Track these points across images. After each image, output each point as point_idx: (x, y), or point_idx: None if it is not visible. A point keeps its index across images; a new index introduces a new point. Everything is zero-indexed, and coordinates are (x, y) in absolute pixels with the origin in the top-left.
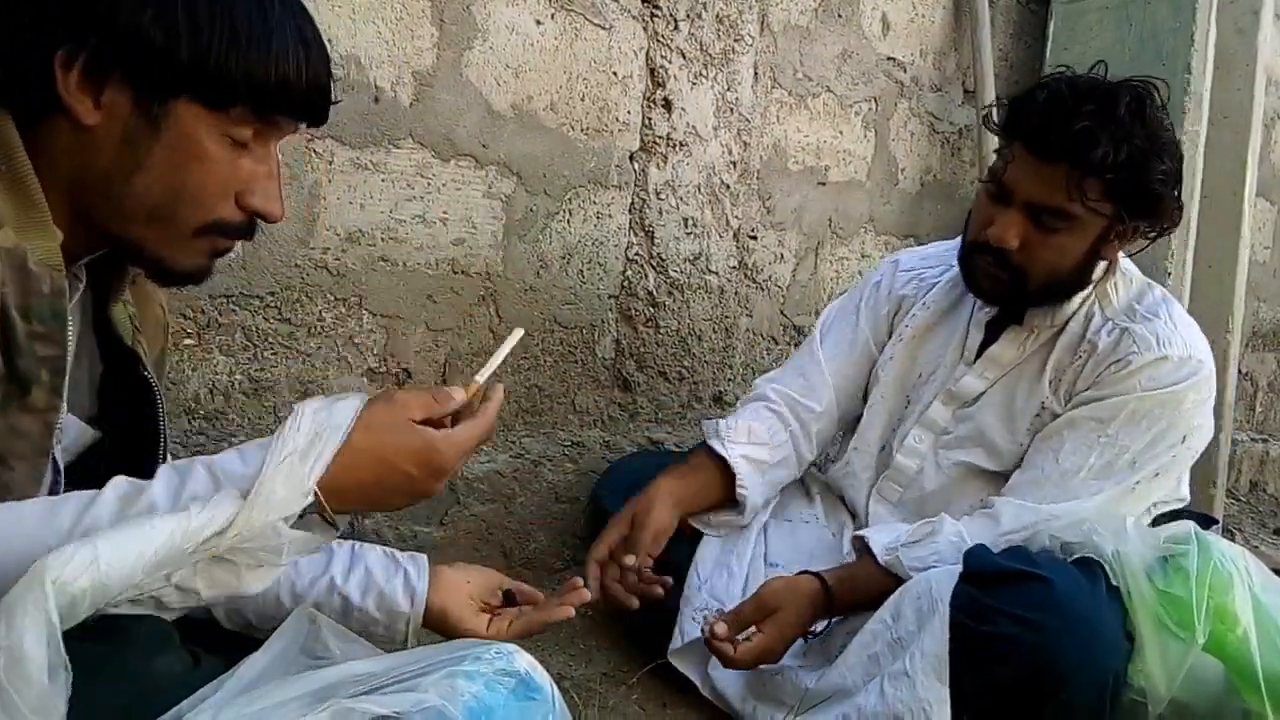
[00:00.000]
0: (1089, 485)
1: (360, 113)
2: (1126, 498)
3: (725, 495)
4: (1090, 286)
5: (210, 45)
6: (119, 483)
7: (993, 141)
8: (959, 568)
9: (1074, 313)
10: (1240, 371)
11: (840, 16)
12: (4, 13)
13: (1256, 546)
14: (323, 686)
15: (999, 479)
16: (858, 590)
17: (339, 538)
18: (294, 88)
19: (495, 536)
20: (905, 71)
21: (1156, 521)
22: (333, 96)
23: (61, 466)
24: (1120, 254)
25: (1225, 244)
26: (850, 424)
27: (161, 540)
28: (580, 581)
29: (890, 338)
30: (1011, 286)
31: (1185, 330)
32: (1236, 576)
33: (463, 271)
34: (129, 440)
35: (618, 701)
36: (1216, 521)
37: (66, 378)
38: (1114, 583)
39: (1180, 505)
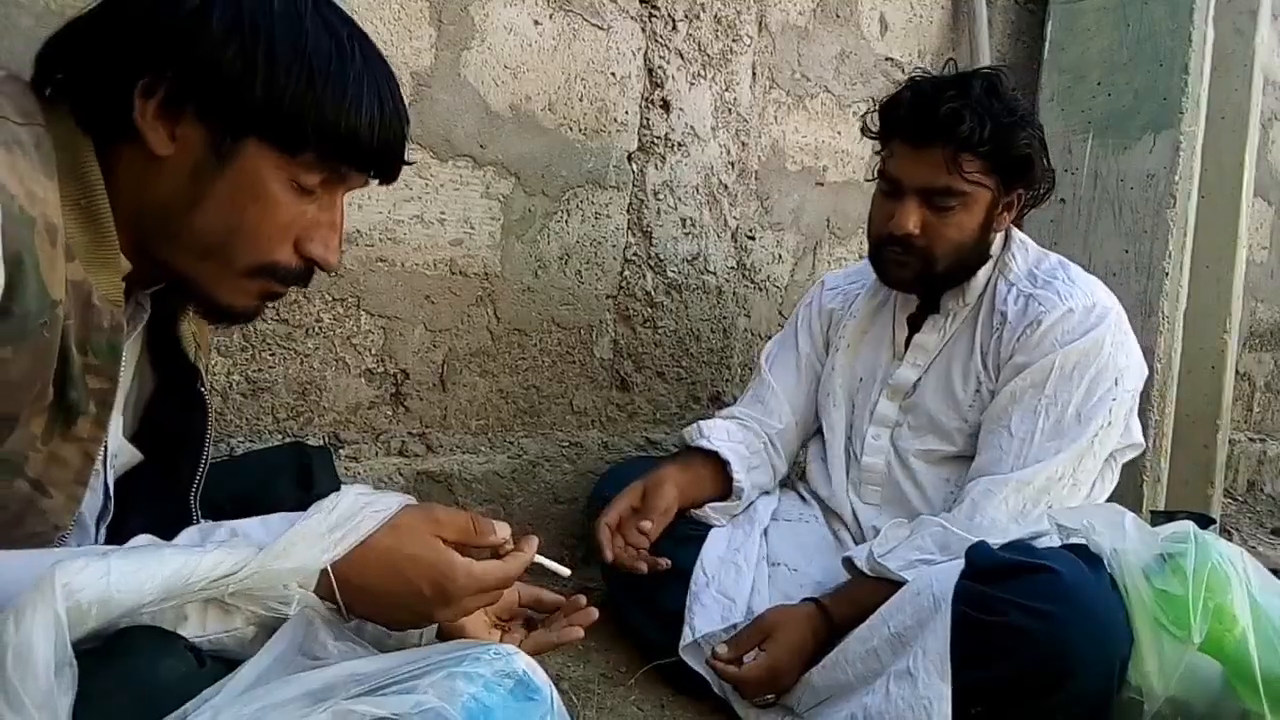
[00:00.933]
0: (1046, 448)
1: None
2: (1087, 455)
3: (718, 489)
4: (992, 260)
5: (285, 88)
6: (142, 537)
7: None
8: (959, 565)
9: (983, 289)
10: (1237, 372)
11: (838, 17)
12: (89, 38)
13: (1254, 546)
14: (322, 686)
15: (964, 461)
16: (856, 604)
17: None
18: (364, 141)
19: None
20: (903, 72)
21: (1156, 521)
22: (406, 154)
23: (113, 494)
24: (1010, 224)
25: (1222, 244)
26: (815, 439)
27: (171, 570)
28: (583, 600)
29: (828, 351)
30: (921, 270)
31: (1083, 283)
32: (1234, 577)
33: (461, 272)
34: (171, 455)
35: (615, 702)
36: (1214, 521)
37: (113, 411)
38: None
39: (1136, 452)
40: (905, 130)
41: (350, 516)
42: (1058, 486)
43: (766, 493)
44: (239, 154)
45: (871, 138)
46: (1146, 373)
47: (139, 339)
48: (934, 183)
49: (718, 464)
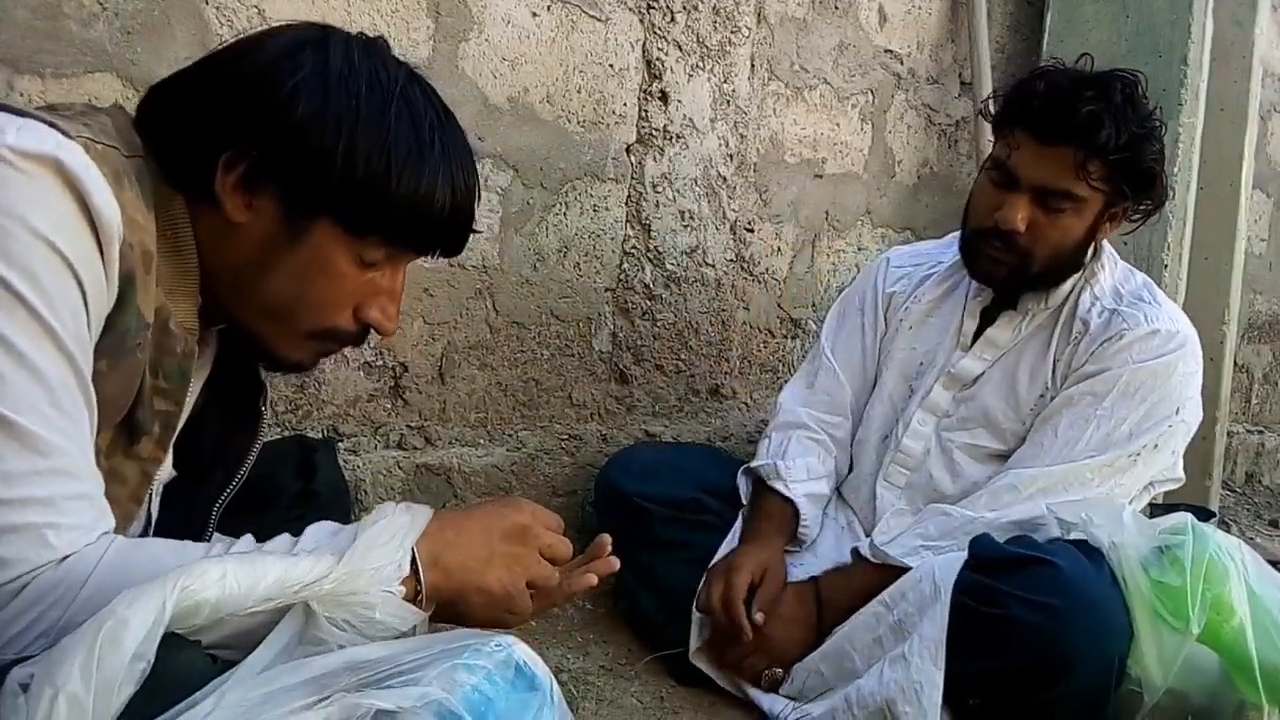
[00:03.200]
0: (1088, 455)
1: None
2: (1129, 470)
3: (791, 529)
4: (1082, 270)
5: (361, 179)
6: (249, 539)
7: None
8: (963, 555)
9: (1066, 296)
10: (1236, 364)
11: (837, 8)
12: (182, 106)
13: (1252, 538)
14: (325, 672)
15: (1002, 460)
16: (849, 582)
17: None
18: (432, 229)
19: None
20: (902, 64)
21: (1154, 513)
22: (470, 233)
23: (154, 517)
24: (1108, 238)
25: (1221, 236)
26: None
27: (275, 576)
28: (608, 544)
29: (888, 331)
30: (1015, 269)
31: (1170, 309)
32: (1233, 568)
33: (459, 265)
34: (203, 467)
35: (616, 694)
36: (1213, 514)
37: (174, 434)
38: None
39: (1176, 485)
40: (1036, 124)
41: (404, 519)
42: (1087, 490)
43: None
44: (310, 230)
45: (992, 122)
46: (1202, 416)
47: (204, 370)
48: (1055, 184)
49: (793, 504)
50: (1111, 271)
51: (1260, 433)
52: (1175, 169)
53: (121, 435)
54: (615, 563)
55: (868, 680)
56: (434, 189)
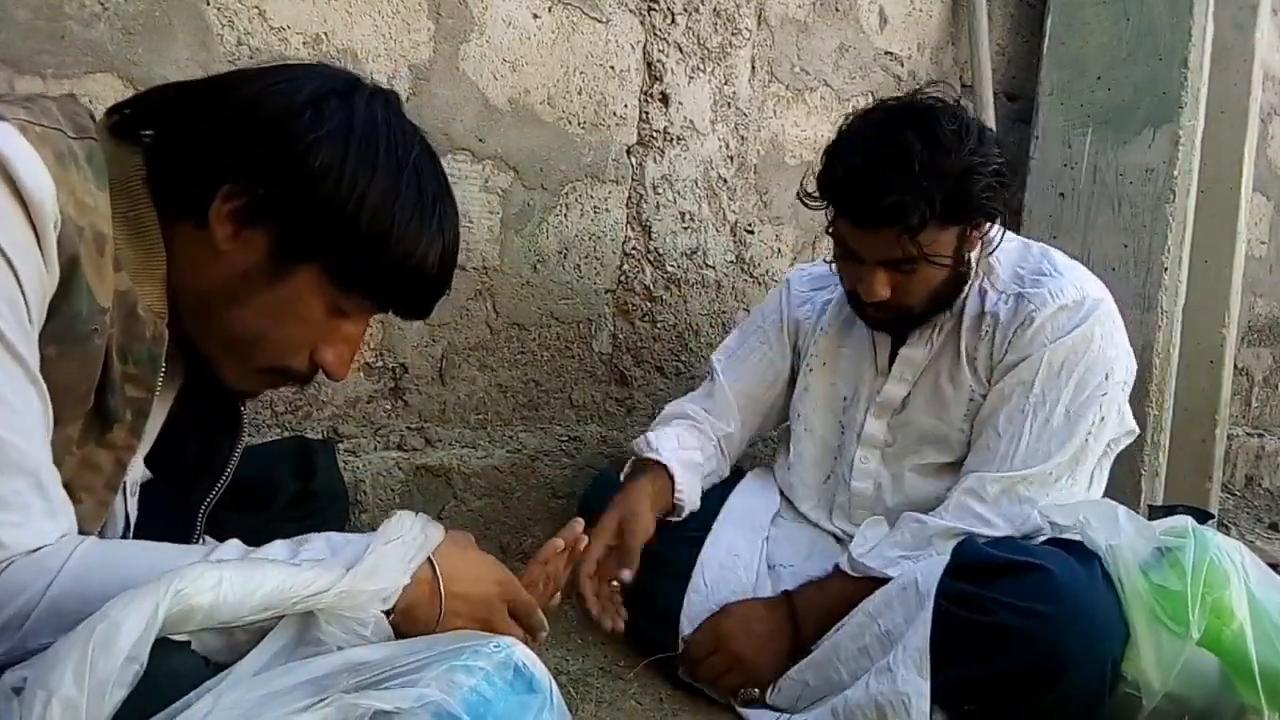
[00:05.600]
0: (1037, 450)
1: None
2: (1084, 451)
3: (665, 494)
4: (972, 267)
5: (362, 237)
6: (236, 543)
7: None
8: (944, 559)
9: (966, 297)
10: (1236, 367)
11: (838, 10)
12: (190, 122)
13: (1252, 541)
14: (324, 674)
15: (956, 469)
16: (825, 594)
17: None
18: (413, 294)
19: (492, 532)
20: (902, 66)
21: (1153, 515)
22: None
23: (133, 518)
24: (988, 233)
25: (1221, 239)
26: (782, 450)
27: (273, 585)
28: (579, 525)
29: (795, 358)
30: (900, 317)
31: (1072, 274)
32: (1233, 571)
33: (459, 266)
34: (186, 471)
35: (614, 696)
36: (1212, 516)
37: (148, 421)
38: (1108, 570)
39: (1132, 438)
40: (851, 216)
41: (417, 539)
42: (1054, 487)
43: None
44: (294, 273)
45: (812, 207)
46: (1135, 363)
47: (177, 372)
48: (894, 255)
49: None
50: (1007, 257)
51: (1260, 436)
52: (1175, 172)
53: (93, 424)
54: (579, 527)
55: (854, 692)
56: (426, 256)
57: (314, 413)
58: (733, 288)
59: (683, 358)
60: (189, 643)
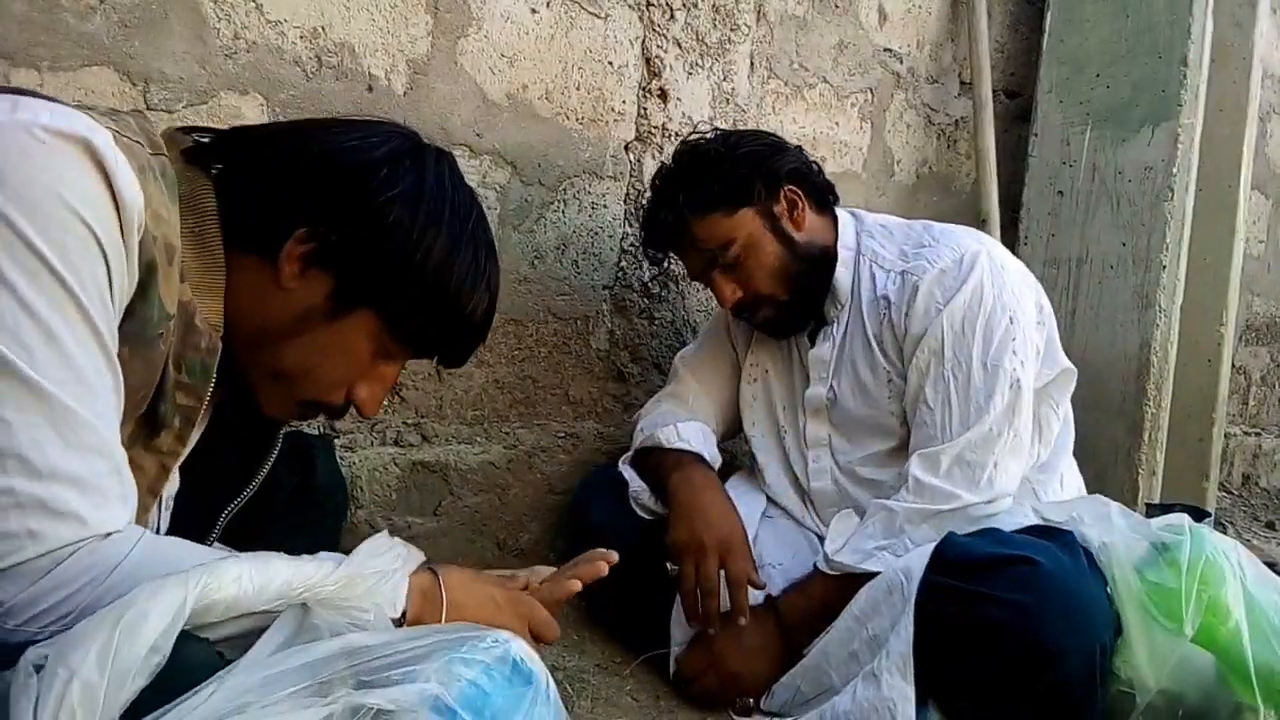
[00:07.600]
0: (968, 410)
1: (354, 101)
2: (1017, 396)
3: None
4: (851, 254)
5: (422, 291)
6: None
7: (991, 133)
8: (925, 558)
9: (854, 284)
10: (1233, 365)
11: (837, 7)
12: (267, 166)
13: (1249, 540)
14: (322, 659)
15: (904, 450)
16: (808, 597)
17: None
18: (458, 345)
19: (489, 528)
20: (902, 62)
21: (1150, 513)
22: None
23: (164, 530)
24: (860, 212)
25: (1220, 237)
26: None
27: (283, 578)
28: (600, 557)
29: (739, 359)
30: (775, 316)
31: (949, 237)
32: (1229, 569)
33: None
34: (209, 478)
35: (611, 693)
36: (1209, 514)
37: (194, 429)
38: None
39: (1071, 378)
40: (668, 247)
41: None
42: (999, 443)
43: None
44: (351, 315)
45: (654, 261)
46: (1041, 293)
47: (219, 390)
48: (703, 264)
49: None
50: (890, 240)
51: (1257, 434)
52: (1174, 170)
53: (143, 427)
54: (603, 569)
55: (842, 699)
56: (476, 313)
57: None
58: None
59: None
60: (202, 637)
